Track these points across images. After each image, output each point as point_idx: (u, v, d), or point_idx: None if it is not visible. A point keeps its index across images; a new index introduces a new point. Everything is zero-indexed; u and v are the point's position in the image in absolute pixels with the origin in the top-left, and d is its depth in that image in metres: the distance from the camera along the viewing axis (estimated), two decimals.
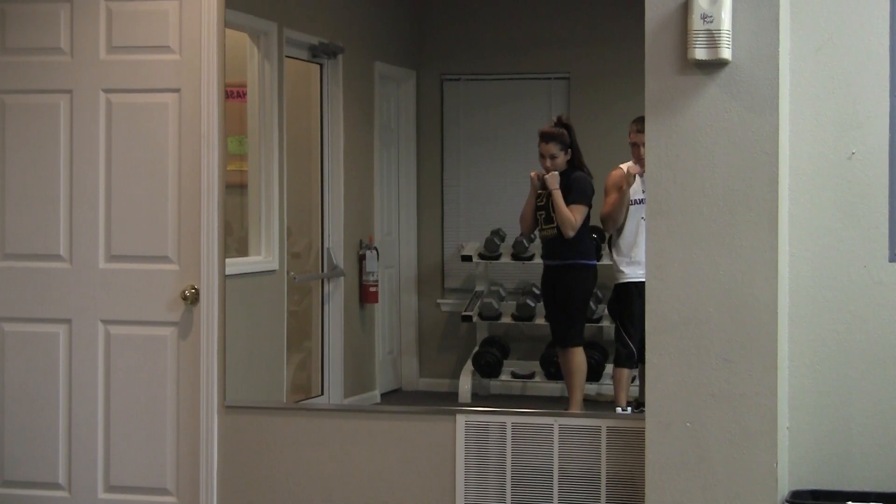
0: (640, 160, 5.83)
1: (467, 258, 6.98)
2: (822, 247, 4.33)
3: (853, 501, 4.13)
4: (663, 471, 4.20)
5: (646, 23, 4.19)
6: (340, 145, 6.54)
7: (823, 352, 4.34)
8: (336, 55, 6.49)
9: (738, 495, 4.12)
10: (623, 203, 6.00)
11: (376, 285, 6.82)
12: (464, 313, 6.93)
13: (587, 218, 6.12)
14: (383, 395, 6.83)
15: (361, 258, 6.77)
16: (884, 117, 4.29)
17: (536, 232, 6.34)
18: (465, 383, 6.60)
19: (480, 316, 6.87)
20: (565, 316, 6.27)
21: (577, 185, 6.18)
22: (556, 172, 6.17)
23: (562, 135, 6.20)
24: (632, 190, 6.01)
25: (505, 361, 6.78)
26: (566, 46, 6.81)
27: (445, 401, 6.62)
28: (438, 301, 7.16)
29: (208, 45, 4.98)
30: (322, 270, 6.48)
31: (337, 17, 6.73)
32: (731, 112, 4.12)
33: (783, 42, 4.14)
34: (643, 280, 5.74)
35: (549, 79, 7.07)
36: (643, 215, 5.76)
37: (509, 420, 4.72)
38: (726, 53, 4.06)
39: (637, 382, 5.91)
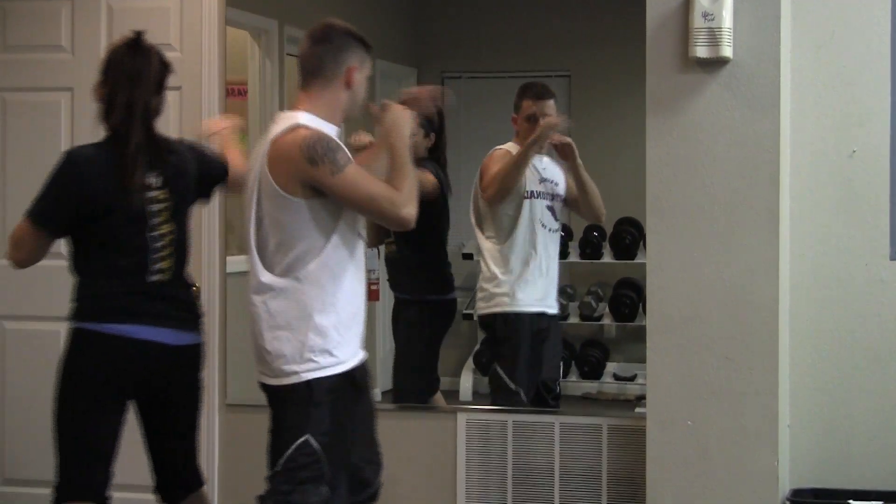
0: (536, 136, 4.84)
1: (468, 256, 6.95)
2: (823, 245, 4.33)
3: (854, 500, 4.13)
4: (664, 469, 4.20)
5: (647, 21, 4.19)
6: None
7: (824, 350, 4.33)
8: None
9: (739, 494, 4.12)
10: (519, 171, 4.89)
11: (377, 283, 6.80)
12: (465, 311, 6.91)
13: (438, 231, 5.20)
14: (384, 393, 6.82)
15: None
16: (885, 115, 4.29)
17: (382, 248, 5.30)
18: (467, 381, 6.58)
19: None
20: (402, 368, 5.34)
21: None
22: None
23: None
24: (526, 179, 4.99)
25: None
26: (567, 44, 6.78)
27: (446, 399, 6.59)
28: None
29: (209, 42, 4.98)
30: None
31: (337, 15, 6.70)
32: (732, 110, 4.12)
33: (784, 40, 4.14)
34: (543, 311, 5.13)
35: (550, 76, 7.02)
36: (542, 218, 5.07)
37: (510, 418, 4.72)
38: (727, 51, 4.06)
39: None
